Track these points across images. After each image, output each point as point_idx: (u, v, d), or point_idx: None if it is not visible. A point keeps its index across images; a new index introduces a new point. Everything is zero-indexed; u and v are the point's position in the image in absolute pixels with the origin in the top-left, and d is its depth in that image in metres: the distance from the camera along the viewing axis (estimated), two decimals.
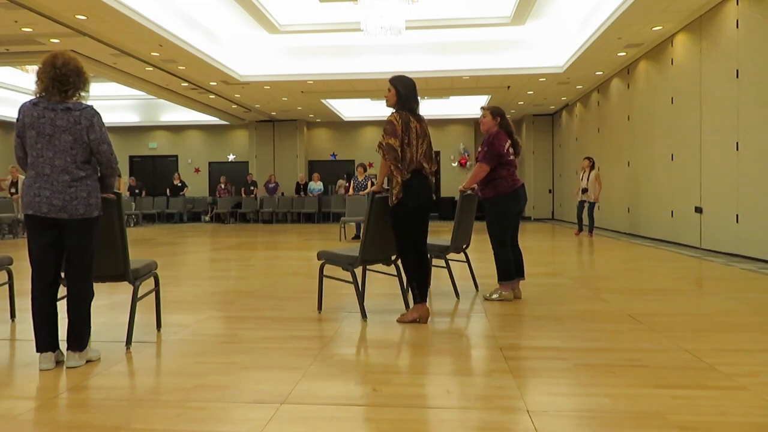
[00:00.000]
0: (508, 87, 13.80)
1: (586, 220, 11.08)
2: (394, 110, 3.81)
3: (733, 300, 4.60)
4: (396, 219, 3.77)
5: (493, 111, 4.60)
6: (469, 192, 4.77)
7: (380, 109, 18.16)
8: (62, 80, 2.82)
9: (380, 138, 3.70)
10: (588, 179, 10.67)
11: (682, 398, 2.37)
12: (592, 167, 10.72)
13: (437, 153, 20.12)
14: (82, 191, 2.83)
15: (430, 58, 12.03)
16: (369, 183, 11.76)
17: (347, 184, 17.04)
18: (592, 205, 10.77)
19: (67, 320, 2.87)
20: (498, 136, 4.47)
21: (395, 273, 4.21)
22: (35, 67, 3.01)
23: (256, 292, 5.07)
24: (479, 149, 4.58)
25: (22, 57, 11.25)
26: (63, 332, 2.89)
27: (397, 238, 3.83)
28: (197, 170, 20.62)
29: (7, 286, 3.94)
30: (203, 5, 10.23)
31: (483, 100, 16.55)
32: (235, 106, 16.45)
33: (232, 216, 18.00)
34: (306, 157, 20.06)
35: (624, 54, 10.68)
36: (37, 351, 2.84)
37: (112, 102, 18.15)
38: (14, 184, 12.13)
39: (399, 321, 3.82)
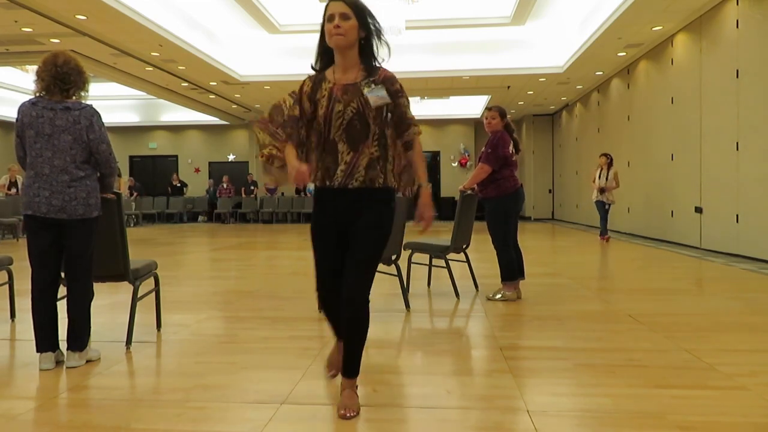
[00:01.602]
0: (508, 87, 13.80)
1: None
2: (361, 57, 2.30)
3: (733, 300, 4.60)
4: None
5: (501, 112, 4.61)
6: (469, 192, 4.77)
7: None
8: (63, 79, 2.82)
9: (406, 108, 2.33)
10: (607, 178, 9.79)
11: (682, 398, 2.37)
12: (610, 164, 9.87)
13: (437, 153, 20.16)
14: (81, 191, 2.83)
15: (430, 58, 12.03)
16: None
17: None
18: (609, 207, 9.94)
19: (67, 320, 2.87)
20: (503, 138, 4.48)
21: (395, 273, 4.21)
22: (35, 67, 3.00)
23: (256, 292, 5.07)
24: (483, 150, 4.58)
25: (22, 57, 11.25)
26: (63, 332, 2.89)
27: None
28: (197, 170, 20.62)
29: (7, 286, 3.94)
30: (203, 5, 10.23)
31: (483, 100, 16.55)
32: (235, 106, 16.44)
33: (232, 216, 18.01)
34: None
35: (624, 54, 10.68)
36: (37, 351, 2.84)
37: (112, 102, 18.15)
38: (14, 183, 12.15)
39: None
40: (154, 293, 3.65)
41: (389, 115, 2.28)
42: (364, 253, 2.22)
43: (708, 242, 8.23)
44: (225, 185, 18.28)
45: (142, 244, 10.40)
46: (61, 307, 2.91)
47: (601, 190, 9.79)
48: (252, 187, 18.11)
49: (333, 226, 2.29)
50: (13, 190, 12.04)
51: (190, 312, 4.21)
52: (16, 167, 12.01)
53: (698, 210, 8.51)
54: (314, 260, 2.32)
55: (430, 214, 2.30)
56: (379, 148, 2.26)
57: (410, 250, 4.97)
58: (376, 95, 2.23)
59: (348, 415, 2.20)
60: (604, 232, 9.95)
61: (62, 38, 9.62)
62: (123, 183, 16.63)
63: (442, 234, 5.76)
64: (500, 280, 4.56)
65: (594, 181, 9.96)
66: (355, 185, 2.22)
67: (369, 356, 3.14)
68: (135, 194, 17.70)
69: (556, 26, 11.21)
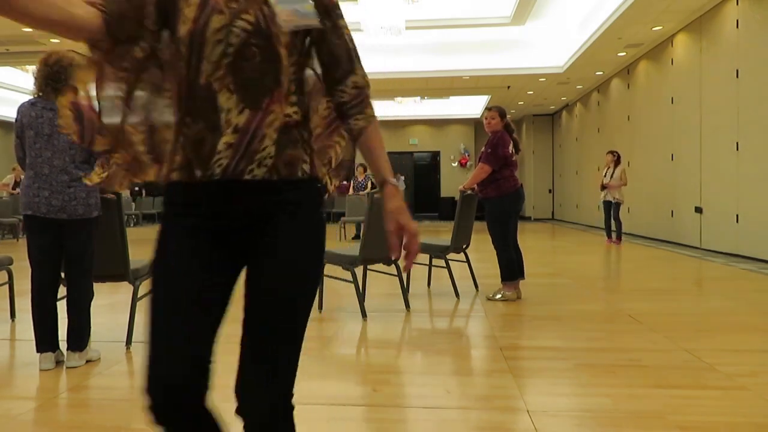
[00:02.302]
0: (508, 87, 13.80)
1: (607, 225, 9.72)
2: None
3: (733, 300, 4.60)
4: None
5: (501, 112, 4.62)
6: (469, 192, 4.78)
7: (380, 109, 18.16)
8: (55, 78, 2.82)
9: (344, 49, 1.26)
10: (612, 176, 9.45)
11: (682, 398, 2.37)
12: (617, 162, 9.51)
13: (437, 153, 20.14)
14: (81, 191, 2.83)
15: (430, 58, 12.03)
16: (369, 183, 11.77)
17: (345, 183, 17.11)
18: (618, 206, 9.41)
19: (67, 320, 2.87)
20: (503, 138, 4.49)
21: (395, 273, 4.21)
22: (35, 67, 3.01)
23: None
24: (483, 150, 4.59)
25: (22, 57, 11.26)
26: (63, 332, 2.89)
27: None
28: None
29: (7, 286, 3.95)
30: None
31: (483, 100, 16.55)
32: None
33: None
34: None
35: (624, 54, 10.68)
36: (37, 351, 2.84)
37: None
38: (18, 183, 12.20)
39: None
40: None
41: (312, 52, 1.22)
42: (288, 317, 1.12)
43: (708, 242, 8.23)
44: None
45: (142, 244, 10.39)
46: (61, 307, 2.91)
47: (603, 187, 9.56)
48: None
49: (206, 262, 1.12)
50: (18, 190, 12.08)
51: None
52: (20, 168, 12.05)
53: (698, 210, 8.51)
54: (150, 329, 1.09)
55: (414, 233, 1.16)
56: (300, 108, 1.17)
57: None
58: (290, 7, 1.15)
59: None
60: (608, 234, 9.61)
61: (62, 38, 9.61)
62: None
63: (442, 234, 5.77)
64: (500, 280, 4.56)
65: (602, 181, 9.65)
66: (257, 174, 1.10)
67: (369, 356, 3.15)
68: (143, 192, 17.73)
69: (556, 26, 11.20)
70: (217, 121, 1.10)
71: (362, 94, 1.23)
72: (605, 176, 9.60)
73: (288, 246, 1.12)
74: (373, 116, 1.25)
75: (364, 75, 1.25)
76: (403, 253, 1.19)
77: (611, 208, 9.52)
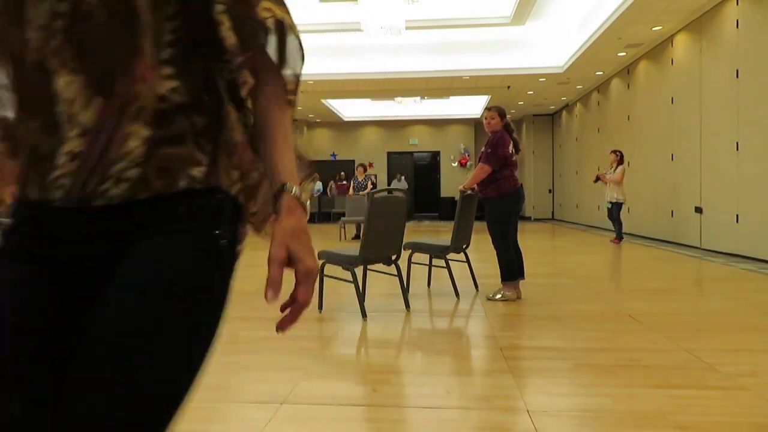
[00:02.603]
0: (508, 87, 13.80)
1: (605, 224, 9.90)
2: None
3: (733, 300, 4.60)
4: None
5: (501, 112, 4.62)
6: (469, 192, 4.78)
7: (380, 110, 18.17)
8: None
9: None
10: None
11: (682, 398, 2.37)
12: (620, 161, 9.43)
13: (437, 153, 20.14)
14: None
15: (430, 58, 12.04)
16: (369, 183, 11.79)
17: (344, 183, 17.17)
18: (618, 206, 9.40)
19: None
20: (503, 138, 4.50)
21: (395, 273, 4.21)
22: None
23: (257, 292, 5.07)
24: (483, 150, 4.60)
25: None
26: None
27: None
28: None
29: None
30: None
31: (483, 100, 16.56)
32: None
33: None
34: (306, 157, 20.06)
35: (624, 54, 10.69)
36: None
37: None
38: None
39: None
40: None
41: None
42: (141, 383, 0.68)
43: (708, 242, 8.23)
44: None
45: None
46: None
47: (596, 179, 9.64)
48: None
49: (41, 300, 0.74)
50: None
51: None
52: None
53: (698, 210, 8.51)
54: None
55: (308, 271, 0.87)
56: (186, 82, 0.78)
57: (410, 250, 4.97)
58: None
59: None
60: (618, 235, 9.62)
61: None
62: None
63: (442, 234, 5.77)
64: (500, 280, 4.56)
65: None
66: (114, 196, 0.74)
67: (369, 356, 3.15)
68: None
69: (556, 26, 11.21)
70: (54, 119, 0.73)
71: (239, 81, 0.83)
72: (606, 173, 9.66)
73: (151, 293, 0.71)
74: (290, 87, 0.85)
75: (240, 50, 0.79)
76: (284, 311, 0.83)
77: (612, 208, 9.57)
